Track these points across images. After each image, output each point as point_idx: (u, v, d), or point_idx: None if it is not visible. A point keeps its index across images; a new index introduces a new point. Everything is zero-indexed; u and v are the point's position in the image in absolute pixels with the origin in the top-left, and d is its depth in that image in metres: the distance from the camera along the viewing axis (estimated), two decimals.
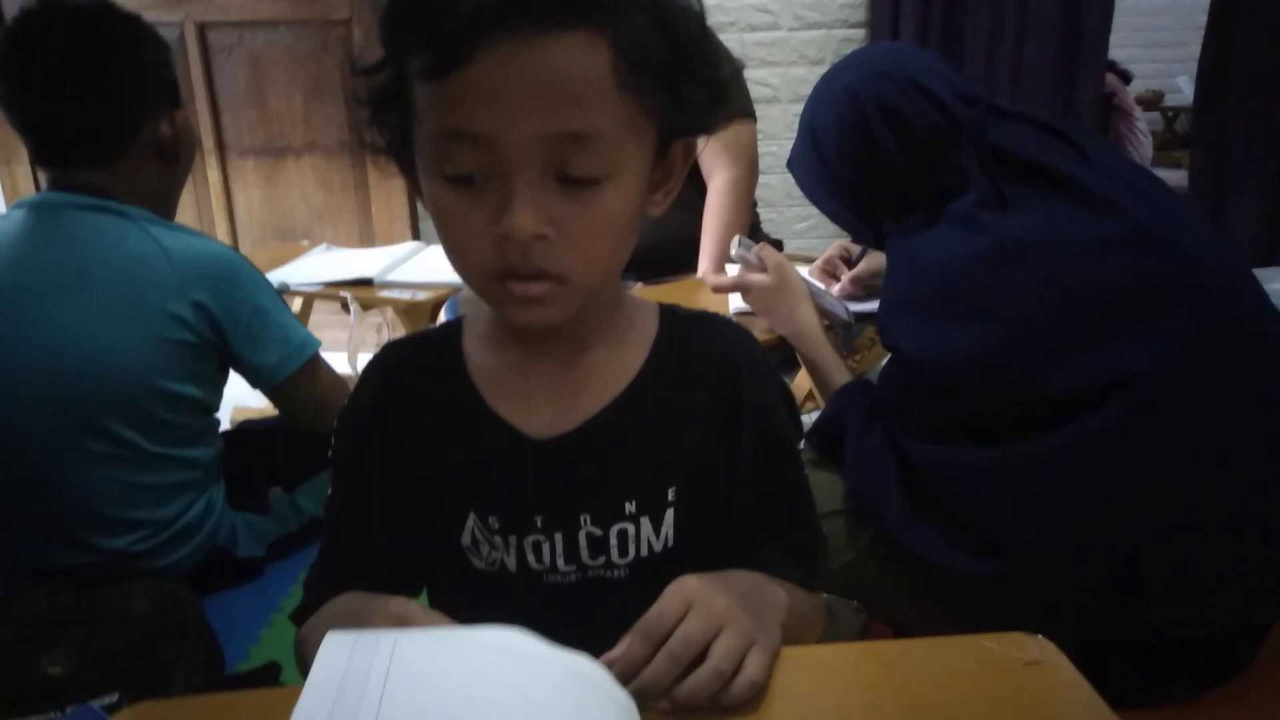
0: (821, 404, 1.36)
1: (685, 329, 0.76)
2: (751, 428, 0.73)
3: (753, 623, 0.60)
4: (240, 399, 2.10)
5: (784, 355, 2.10)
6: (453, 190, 0.62)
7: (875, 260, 1.59)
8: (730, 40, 2.87)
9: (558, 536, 0.71)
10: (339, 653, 0.51)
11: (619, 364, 0.73)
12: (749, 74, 2.82)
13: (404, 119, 0.65)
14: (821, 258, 1.74)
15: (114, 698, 1.06)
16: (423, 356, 0.77)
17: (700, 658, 0.57)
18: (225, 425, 1.56)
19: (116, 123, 1.29)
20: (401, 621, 0.58)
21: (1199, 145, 2.90)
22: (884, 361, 1.29)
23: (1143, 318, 0.98)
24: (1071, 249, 1.01)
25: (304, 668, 0.67)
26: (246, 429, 1.71)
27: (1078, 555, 1.00)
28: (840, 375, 1.32)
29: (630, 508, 0.71)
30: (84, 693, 1.06)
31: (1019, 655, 0.60)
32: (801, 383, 1.88)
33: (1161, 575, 0.99)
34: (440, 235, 0.65)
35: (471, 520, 0.72)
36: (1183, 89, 5.21)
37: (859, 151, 1.20)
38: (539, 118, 0.58)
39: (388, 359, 0.77)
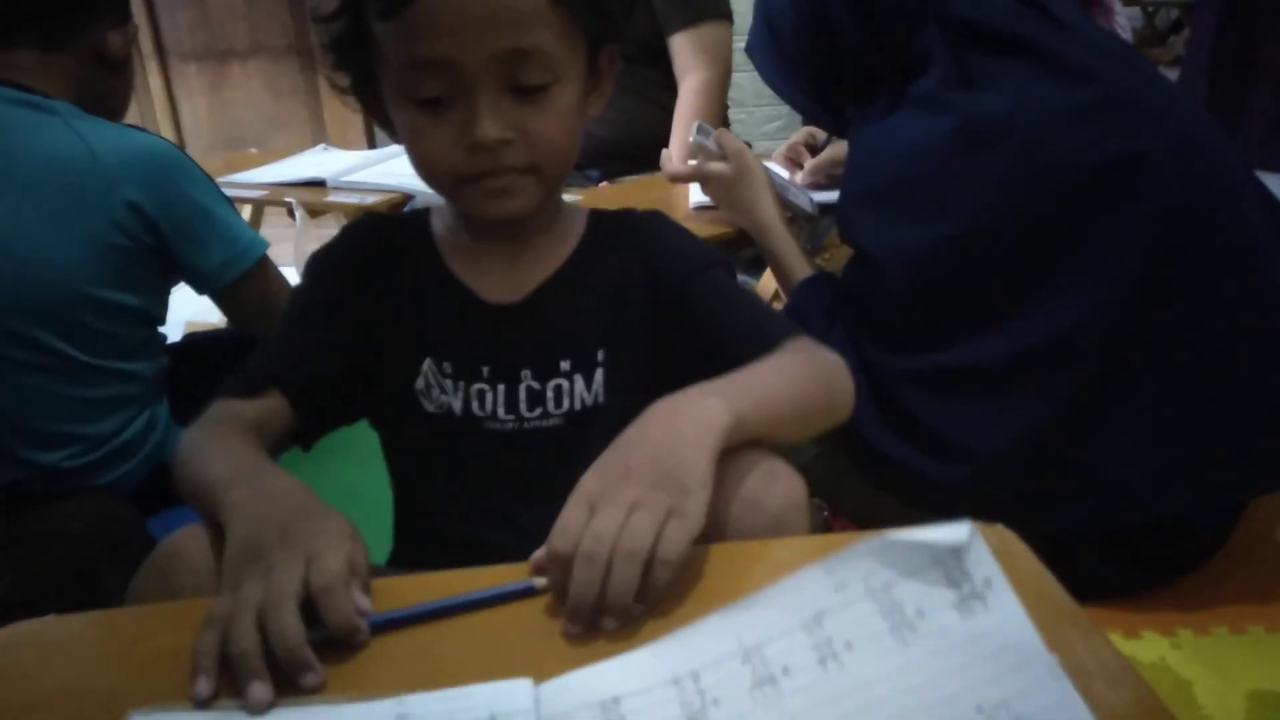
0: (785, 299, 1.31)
1: (607, 225, 0.87)
2: (665, 284, 0.82)
3: (670, 493, 0.56)
4: (196, 314, 2.03)
5: (752, 254, 2.05)
6: (421, 112, 0.73)
7: (839, 148, 1.52)
8: None
9: (500, 387, 0.80)
10: None
11: (556, 249, 0.84)
12: None
13: (366, 59, 0.75)
14: (786, 144, 1.67)
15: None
16: (396, 228, 0.88)
17: None
18: (178, 339, 1.50)
19: (69, 7, 1.22)
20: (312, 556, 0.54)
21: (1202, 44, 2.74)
22: None
23: (1119, 196, 0.93)
24: (1045, 120, 0.95)
25: (180, 481, 0.70)
26: (193, 341, 1.65)
27: (1046, 460, 0.98)
28: (801, 269, 1.27)
29: (565, 365, 0.81)
30: (20, 613, 1.02)
31: None
32: (769, 282, 1.83)
33: (1133, 471, 0.96)
34: (411, 152, 0.76)
35: (427, 365, 0.81)
36: None
37: (815, 34, 1.13)
38: (491, 39, 0.69)
39: (366, 223, 0.88)
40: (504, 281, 0.82)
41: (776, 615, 0.47)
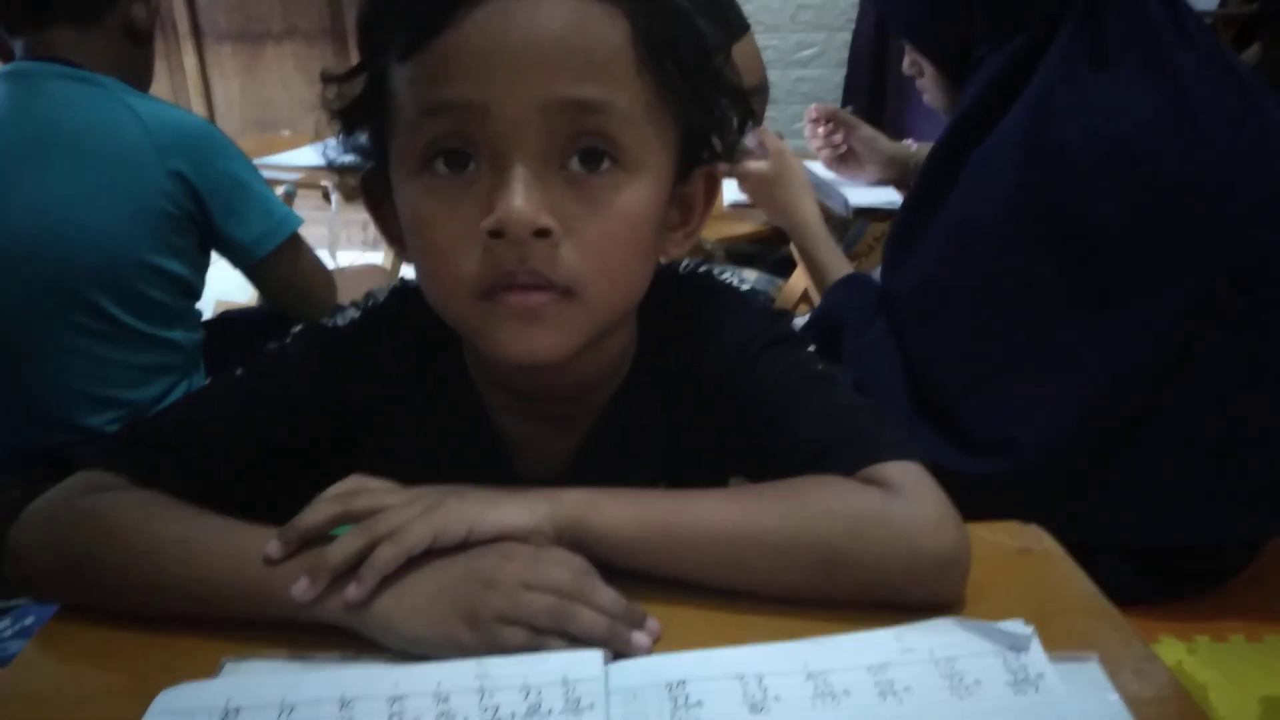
0: (817, 303, 1.32)
1: (660, 333, 0.65)
2: (712, 385, 0.65)
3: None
4: (225, 293, 2.06)
5: (781, 255, 2.06)
6: (433, 188, 0.52)
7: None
8: None
9: None
10: None
11: (602, 389, 0.66)
12: None
13: (379, 133, 0.56)
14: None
15: None
16: (427, 349, 0.64)
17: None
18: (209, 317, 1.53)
19: None
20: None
21: None
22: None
23: (1194, 212, 0.91)
24: (1134, 131, 0.92)
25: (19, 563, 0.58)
26: (228, 318, 1.68)
27: (1085, 466, 0.98)
28: (840, 269, 1.27)
29: None
30: None
31: (1012, 543, 0.60)
32: (796, 284, 1.84)
33: (1173, 492, 0.97)
34: (416, 255, 0.55)
35: None
36: None
37: None
38: (539, 81, 0.50)
39: (389, 325, 0.66)
40: (548, 438, 0.66)
41: (844, 655, 0.49)
